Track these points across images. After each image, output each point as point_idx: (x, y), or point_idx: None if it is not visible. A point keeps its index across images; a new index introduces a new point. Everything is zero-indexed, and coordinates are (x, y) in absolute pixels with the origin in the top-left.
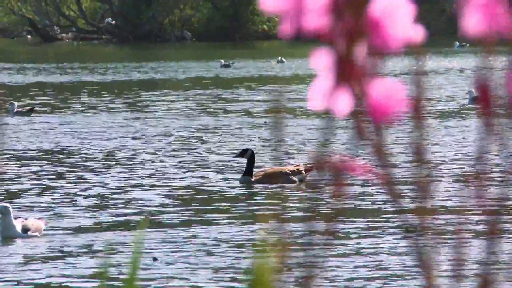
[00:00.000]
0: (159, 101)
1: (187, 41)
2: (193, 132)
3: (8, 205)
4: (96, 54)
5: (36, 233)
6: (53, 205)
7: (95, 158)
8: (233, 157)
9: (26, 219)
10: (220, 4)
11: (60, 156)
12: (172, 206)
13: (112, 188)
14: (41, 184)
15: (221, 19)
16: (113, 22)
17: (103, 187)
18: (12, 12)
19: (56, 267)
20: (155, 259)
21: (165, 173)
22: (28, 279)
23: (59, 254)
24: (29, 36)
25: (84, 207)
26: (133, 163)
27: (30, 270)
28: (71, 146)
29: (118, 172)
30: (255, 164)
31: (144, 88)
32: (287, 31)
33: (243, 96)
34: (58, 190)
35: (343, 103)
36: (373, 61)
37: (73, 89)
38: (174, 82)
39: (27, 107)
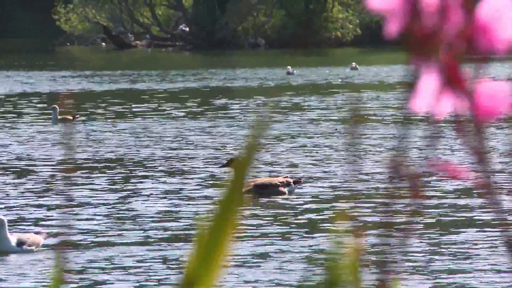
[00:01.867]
0: (228, 108)
1: (260, 48)
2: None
3: (3, 218)
4: (169, 61)
5: (32, 247)
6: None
7: (150, 166)
8: (219, 167)
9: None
10: (293, 11)
11: (116, 163)
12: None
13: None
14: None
15: (294, 26)
16: (187, 29)
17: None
18: (86, 20)
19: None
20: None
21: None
22: None
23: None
24: (103, 43)
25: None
26: (193, 172)
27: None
28: (131, 154)
29: (179, 181)
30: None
31: (216, 95)
32: (393, 31)
33: (311, 103)
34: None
35: (446, 106)
36: (478, 64)
37: (145, 96)
38: (244, 89)
39: (71, 115)
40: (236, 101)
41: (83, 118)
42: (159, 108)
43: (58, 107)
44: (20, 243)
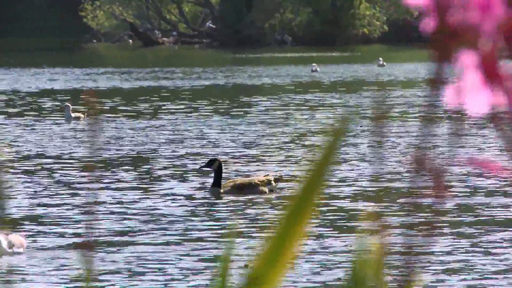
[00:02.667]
0: (253, 106)
1: (287, 45)
2: (283, 137)
3: None
4: (196, 58)
5: (21, 249)
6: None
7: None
8: (199, 168)
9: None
10: (320, 8)
11: (140, 161)
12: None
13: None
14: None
15: (321, 23)
16: (214, 26)
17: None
18: (113, 17)
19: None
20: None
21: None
22: None
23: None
24: (130, 41)
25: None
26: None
27: None
28: (155, 151)
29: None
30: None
31: (241, 93)
32: (430, 26)
33: (333, 100)
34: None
35: (482, 102)
36: None
37: (171, 93)
38: (270, 86)
39: (84, 113)
40: (261, 99)
41: (108, 114)
42: (185, 105)
43: (70, 105)
44: (10, 245)
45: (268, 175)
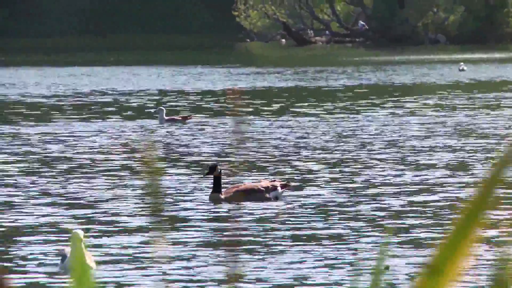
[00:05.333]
0: (399, 106)
1: (440, 44)
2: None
3: (79, 231)
4: (348, 57)
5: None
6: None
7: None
8: (202, 176)
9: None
10: (473, 6)
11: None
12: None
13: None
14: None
15: (474, 22)
16: (366, 25)
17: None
18: (266, 16)
19: None
20: (387, 267)
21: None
22: None
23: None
24: (283, 40)
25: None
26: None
27: None
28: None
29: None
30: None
31: (393, 91)
32: None
33: (476, 100)
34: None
35: None
36: None
37: (325, 93)
38: (420, 85)
39: (181, 115)
40: (410, 98)
41: (251, 115)
42: (341, 104)
43: (164, 109)
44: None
45: (274, 180)
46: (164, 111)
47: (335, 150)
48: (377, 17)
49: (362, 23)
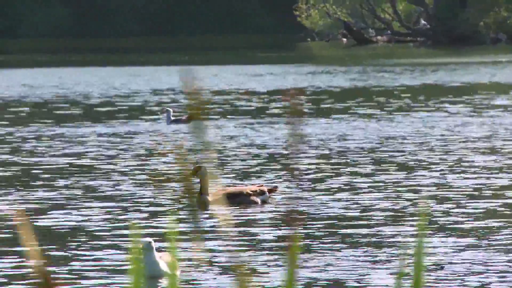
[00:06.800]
0: (454, 104)
1: (501, 43)
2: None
3: (150, 240)
4: (410, 57)
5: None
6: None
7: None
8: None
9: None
10: None
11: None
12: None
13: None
14: None
15: None
16: (428, 24)
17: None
18: (327, 16)
19: None
20: (442, 267)
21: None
22: None
23: None
24: (344, 39)
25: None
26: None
27: None
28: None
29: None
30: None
31: (450, 92)
32: None
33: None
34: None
35: None
36: None
37: (385, 92)
38: (474, 85)
39: (186, 115)
40: (463, 99)
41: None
42: (401, 104)
43: (171, 110)
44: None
45: (262, 185)
46: (171, 111)
47: (406, 151)
48: (438, 16)
49: (423, 22)
